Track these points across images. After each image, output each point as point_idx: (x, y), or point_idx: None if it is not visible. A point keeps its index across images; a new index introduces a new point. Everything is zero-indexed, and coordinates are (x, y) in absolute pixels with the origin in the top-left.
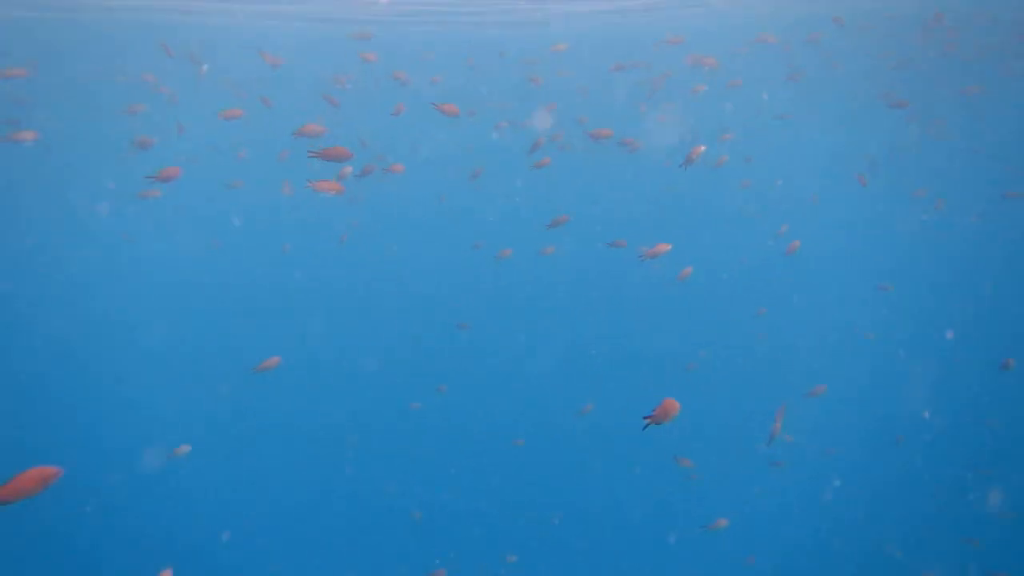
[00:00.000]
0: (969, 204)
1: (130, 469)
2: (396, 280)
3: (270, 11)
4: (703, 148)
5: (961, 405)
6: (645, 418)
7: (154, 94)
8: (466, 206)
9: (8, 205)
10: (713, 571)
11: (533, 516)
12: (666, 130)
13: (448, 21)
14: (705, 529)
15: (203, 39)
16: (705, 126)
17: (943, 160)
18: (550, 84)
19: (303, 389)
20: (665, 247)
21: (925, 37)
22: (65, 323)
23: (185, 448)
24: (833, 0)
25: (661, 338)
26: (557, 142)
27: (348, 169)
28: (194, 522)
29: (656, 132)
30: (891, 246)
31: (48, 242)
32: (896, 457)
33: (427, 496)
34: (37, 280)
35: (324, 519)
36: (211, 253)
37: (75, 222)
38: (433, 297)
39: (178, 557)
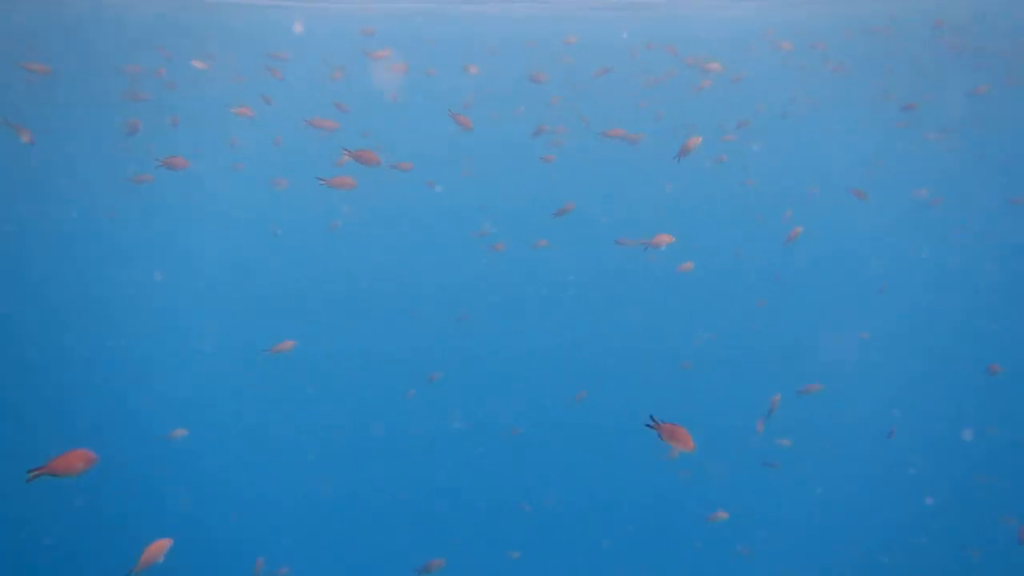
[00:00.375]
0: (974, 209)
1: (131, 455)
2: (390, 273)
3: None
4: (699, 140)
5: (956, 408)
6: (653, 420)
7: (157, 84)
8: (461, 198)
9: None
10: (707, 563)
11: (528, 508)
12: (665, 126)
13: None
14: (707, 520)
15: (208, 28)
16: (706, 124)
17: (947, 163)
18: (552, 78)
19: (303, 380)
20: (668, 238)
21: (929, 41)
22: (66, 315)
23: (181, 431)
24: (840, 5)
25: (657, 332)
26: (557, 135)
27: (344, 158)
28: (194, 508)
29: (656, 127)
30: (892, 247)
31: (53, 233)
32: (892, 460)
33: (422, 487)
34: (42, 271)
35: (320, 510)
36: (210, 244)
37: (77, 212)
38: (429, 290)
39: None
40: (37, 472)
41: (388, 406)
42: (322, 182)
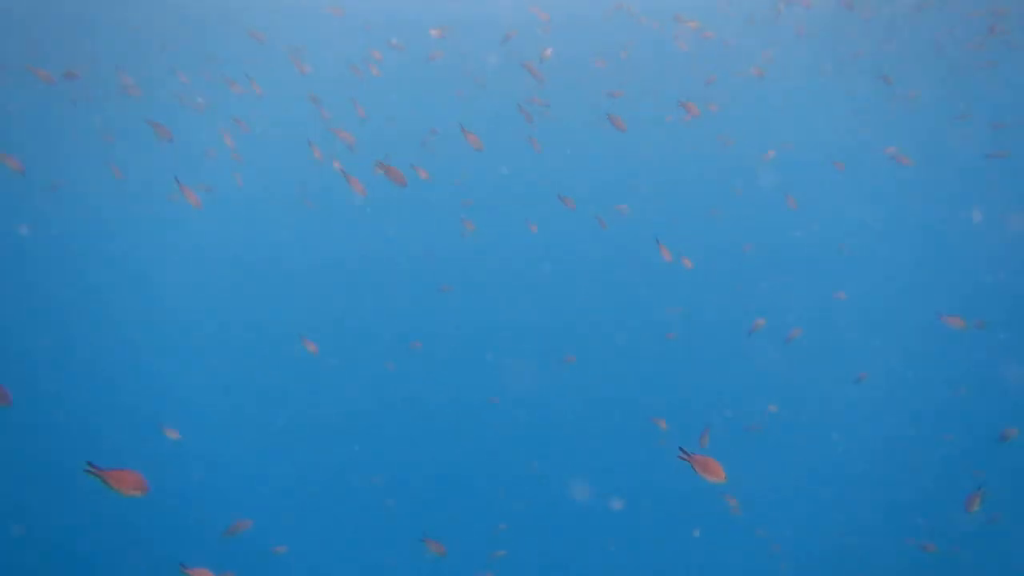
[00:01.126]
0: (950, 166)
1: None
2: (371, 246)
3: None
4: (696, 111)
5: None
6: (684, 452)
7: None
8: (444, 172)
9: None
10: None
11: (513, 482)
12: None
13: None
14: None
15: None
16: (676, 89)
17: (921, 120)
18: (525, 51)
19: (287, 356)
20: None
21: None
22: (64, 304)
23: (174, 433)
24: None
25: (641, 302)
26: (540, 107)
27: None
28: (183, 487)
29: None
30: (863, 206)
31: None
32: (867, 415)
33: (407, 460)
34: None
35: (307, 485)
36: (212, 228)
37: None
38: (411, 261)
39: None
40: (95, 471)
41: (371, 378)
42: (377, 169)
